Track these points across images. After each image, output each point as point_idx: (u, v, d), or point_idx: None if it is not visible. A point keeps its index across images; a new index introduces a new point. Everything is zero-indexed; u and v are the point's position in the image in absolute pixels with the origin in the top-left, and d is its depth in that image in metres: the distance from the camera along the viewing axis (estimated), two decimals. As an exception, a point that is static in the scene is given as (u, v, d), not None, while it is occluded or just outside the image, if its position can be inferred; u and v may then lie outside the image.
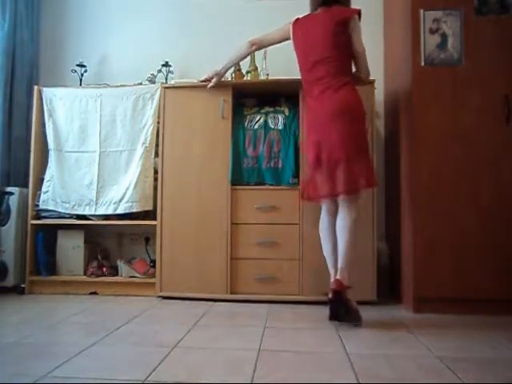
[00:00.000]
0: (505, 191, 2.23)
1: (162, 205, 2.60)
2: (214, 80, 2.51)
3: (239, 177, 2.55)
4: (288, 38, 2.26)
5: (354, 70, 2.20)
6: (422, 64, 2.30)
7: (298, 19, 2.23)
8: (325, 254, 2.16)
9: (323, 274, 2.43)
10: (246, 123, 2.59)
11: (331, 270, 2.10)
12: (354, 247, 2.05)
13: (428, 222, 2.26)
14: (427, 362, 1.54)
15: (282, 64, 2.87)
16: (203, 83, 2.57)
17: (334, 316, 1.99)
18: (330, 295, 1.99)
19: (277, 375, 1.42)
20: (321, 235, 2.20)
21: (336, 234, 2.09)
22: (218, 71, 2.49)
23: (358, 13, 2.11)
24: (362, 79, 2.22)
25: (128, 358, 1.58)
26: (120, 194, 2.72)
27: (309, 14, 2.22)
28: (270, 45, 2.40)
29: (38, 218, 2.81)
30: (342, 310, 1.96)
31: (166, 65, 2.96)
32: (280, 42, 2.33)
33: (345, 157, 2.01)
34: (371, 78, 2.52)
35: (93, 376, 1.39)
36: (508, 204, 2.23)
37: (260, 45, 2.39)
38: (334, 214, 2.14)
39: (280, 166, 2.53)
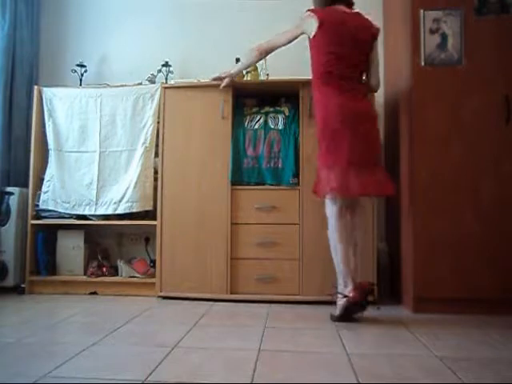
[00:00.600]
0: (505, 191, 2.23)
1: (162, 205, 2.60)
2: (226, 80, 2.49)
3: (239, 177, 2.55)
4: (297, 37, 2.24)
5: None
6: (422, 64, 2.30)
7: (318, 10, 2.19)
8: (345, 256, 2.09)
9: (323, 273, 2.44)
10: (246, 123, 2.59)
11: (349, 273, 2.06)
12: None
13: (428, 222, 2.26)
14: (427, 362, 1.54)
15: (282, 64, 2.88)
16: (204, 83, 2.57)
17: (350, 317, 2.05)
18: (355, 295, 2.00)
19: (277, 375, 1.42)
20: (339, 236, 2.10)
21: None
22: (231, 73, 2.48)
23: None
24: (373, 89, 2.31)
25: (128, 357, 1.58)
26: (120, 194, 2.72)
27: (335, 8, 2.18)
28: (276, 49, 2.37)
29: (38, 217, 2.81)
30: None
31: (166, 65, 2.96)
32: (286, 44, 2.31)
33: (377, 159, 2.17)
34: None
35: (93, 376, 1.39)
36: (508, 204, 2.22)
37: (268, 52, 2.37)
38: (346, 215, 2.15)
39: (280, 165, 2.53)
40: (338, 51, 2.11)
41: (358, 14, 2.21)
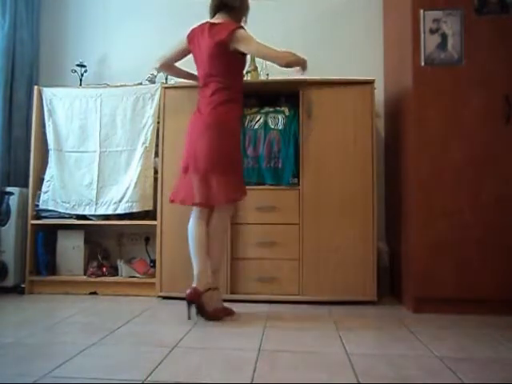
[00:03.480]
0: (505, 191, 2.23)
1: (162, 205, 2.60)
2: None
3: (239, 177, 2.55)
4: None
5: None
6: (422, 64, 2.30)
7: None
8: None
9: (323, 273, 2.44)
10: (245, 123, 2.59)
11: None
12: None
13: (428, 221, 2.26)
14: (427, 362, 1.54)
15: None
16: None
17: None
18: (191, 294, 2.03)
19: (277, 375, 1.42)
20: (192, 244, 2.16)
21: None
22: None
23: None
24: (279, 65, 2.16)
25: (128, 357, 1.58)
26: (120, 194, 2.72)
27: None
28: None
29: (38, 218, 2.81)
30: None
31: (166, 65, 2.95)
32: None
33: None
34: (371, 77, 2.54)
35: (93, 376, 1.39)
36: (508, 204, 2.22)
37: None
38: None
39: (280, 165, 2.53)
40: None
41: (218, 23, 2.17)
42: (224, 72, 2.15)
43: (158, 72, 2.49)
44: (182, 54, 2.29)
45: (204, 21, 2.25)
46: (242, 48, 2.11)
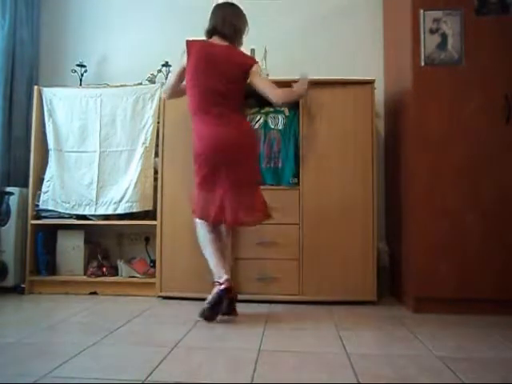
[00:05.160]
0: (505, 191, 2.23)
1: (162, 205, 2.60)
2: None
3: (239, 177, 2.55)
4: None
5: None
6: (422, 64, 2.30)
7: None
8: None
9: (323, 273, 2.44)
10: (246, 123, 2.59)
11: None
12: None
13: (428, 221, 2.25)
14: (427, 362, 1.54)
15: (282, 64, 2.88)
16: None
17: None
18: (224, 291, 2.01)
19: (277, 375, 1.42)
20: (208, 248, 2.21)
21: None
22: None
23: None
24: (274, 104, 2.34)
25: (128, 357, 1.58)
26: (120, 194, 2.72)
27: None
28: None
29: (38, 218, 2.81)
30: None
31: (166, 65, 2.95)
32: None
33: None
34: (371, 77, 2.54)
35: (93, 376, 1.39)
36: (508, 204, 2.22)
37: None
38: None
39: (280, 165, 2.53)
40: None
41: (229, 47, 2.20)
42: (237, 95, 2.19)
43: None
44: (184, 75, 2.24)
45: (205, 38, 2.24)
46: (256, 80, 2.19)
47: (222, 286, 2.01)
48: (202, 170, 2.14)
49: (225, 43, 2.20)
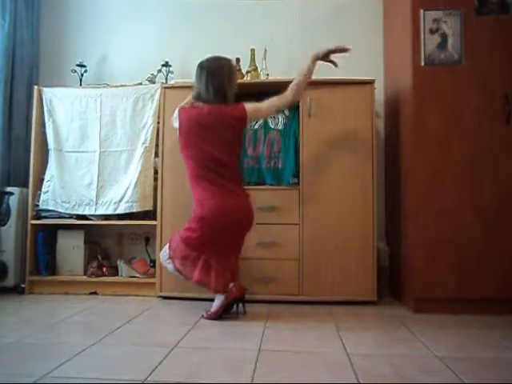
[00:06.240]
0: (505, 191, 2.23)
1: (162, 205, 2.60)
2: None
3: (239, 177, 2.55)
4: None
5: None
6: (422, 64, 2.30)
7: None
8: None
9: (323, 273, 2.44)
10: (246, 123, 2.59)
11: None
12: None
13: (428, 222, 2.25)
14: (427, 362, 1.54)
15: (282, 64, 2.88)
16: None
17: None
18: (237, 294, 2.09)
19: (277, 375, 1.42)
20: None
21: None
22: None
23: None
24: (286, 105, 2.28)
25: (128, 357, 1.58)
26: (120, 194, 2.72)
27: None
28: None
29: (38, 217, 2.81)
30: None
31: (166, 65, 2.95)
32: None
33: None
34: (371, 77, 2.54)
35: (93, 376, 1.39)
36: (508, 204, 2.22)
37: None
38: None
39: (280, 166, 2.53)
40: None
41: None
42: (234, 160, 2.19)
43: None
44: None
45: (190, 105, 2.22)
46: (259, 114, 2.21)
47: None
48: (202, 230, 2.10)
49: (214, 105, 2.13)
